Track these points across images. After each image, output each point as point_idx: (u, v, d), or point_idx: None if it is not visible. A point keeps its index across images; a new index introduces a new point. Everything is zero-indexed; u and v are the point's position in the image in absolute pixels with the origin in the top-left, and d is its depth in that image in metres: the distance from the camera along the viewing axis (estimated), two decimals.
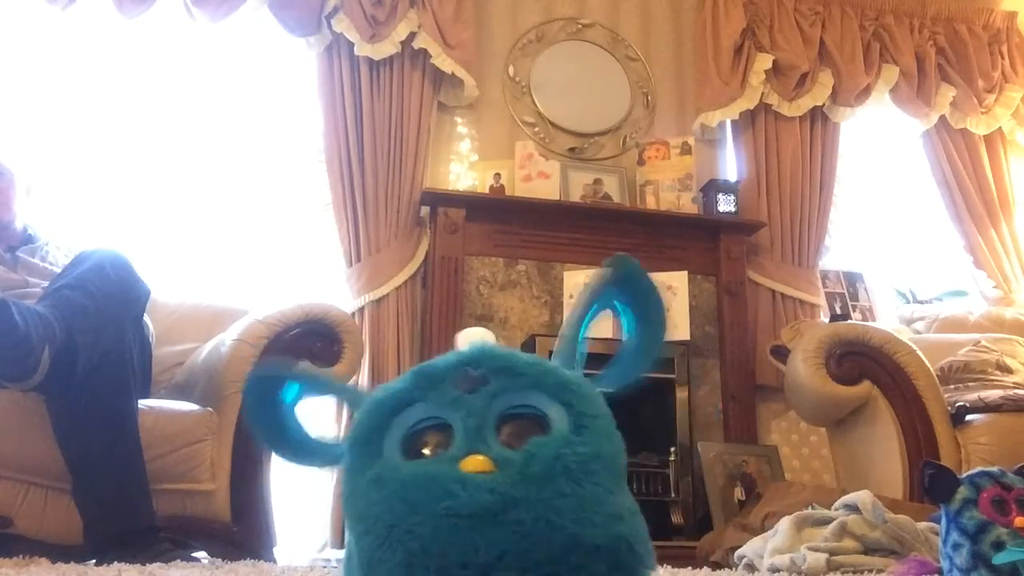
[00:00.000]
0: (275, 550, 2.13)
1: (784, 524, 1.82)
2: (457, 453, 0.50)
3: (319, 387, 0.64)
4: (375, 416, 0.54)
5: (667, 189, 3.61)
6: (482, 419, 0.51)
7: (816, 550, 1.66)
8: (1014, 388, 2.55)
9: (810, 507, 1.88)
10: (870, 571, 1.57)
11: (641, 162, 3.67)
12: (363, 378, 3.10)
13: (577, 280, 3.31)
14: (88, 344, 1.70)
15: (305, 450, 0.62)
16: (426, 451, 0.52)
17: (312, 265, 3.37)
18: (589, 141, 3.70)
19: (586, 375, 0.59)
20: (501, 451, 0.50)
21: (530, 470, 0.48)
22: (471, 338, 0.58)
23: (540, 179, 3.48)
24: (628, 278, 0.59)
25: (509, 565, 0.46)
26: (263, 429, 0.62)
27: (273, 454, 0.64)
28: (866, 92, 3.87)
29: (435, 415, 0.53)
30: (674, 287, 3.34)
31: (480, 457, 0.49)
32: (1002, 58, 4.11)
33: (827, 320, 3.51)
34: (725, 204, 3.57)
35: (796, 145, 3.79)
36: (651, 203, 3.59)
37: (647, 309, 0.59)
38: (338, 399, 0.64)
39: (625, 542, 0.48)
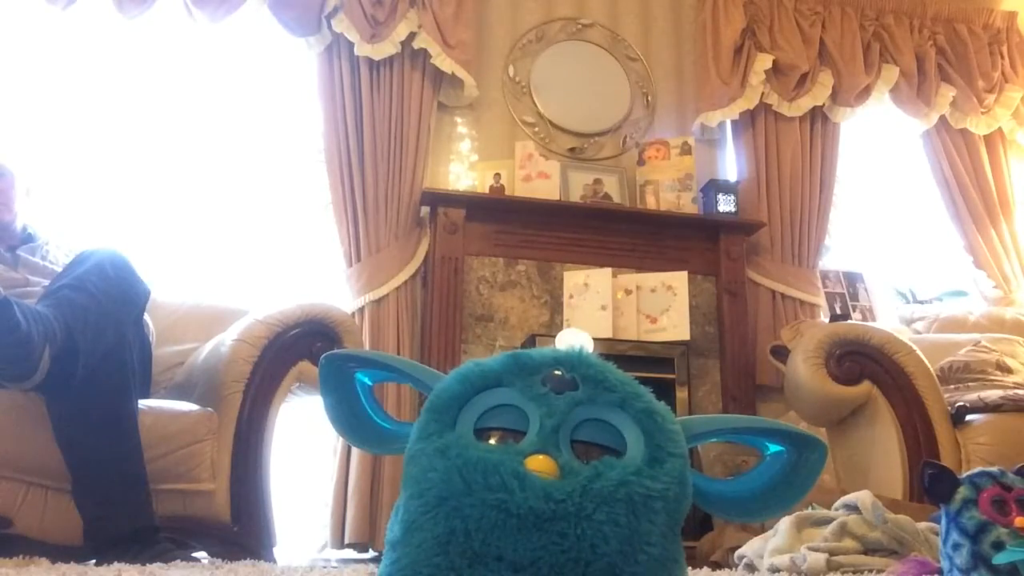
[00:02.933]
0: (275, 550, 2.13)
1: (784, 524, 1.82)
2: (527, 448, 0.49)
3: (398, 373, 0.64)
4: (459, 387, 0.54)
5: (667, 189, 3.61)
6: (561, 422, 0.51)
7: (816, 550, 1.66)
8: (1014, 388, 2.55)
9: (810, 507, 1.88)
10: (870, 571, 1.57)
11: (641, 162, 3.67)
12: None
13: (577, 280, 3.31)
14: (88, 344, 1.70)
15: (377, 437, 0.62)
16: (495, 438, 0.52)
17: (312, 265, 3.37)
18: (589, 141, 3.70)
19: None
20: (570, 459, 0.49)
21: (593, 487, 0.48)
22: (571, 340, 0.58)
23: (540, 179, 3.48)
24: (808, 449, 0.57)
25: (539, 571, 0.46)
26: (335, 413, 0.62)
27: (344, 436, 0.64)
28: (866, 92, 3.87)
29: (517, 404, 0.52)
30: (674, 287, 3.34)
31: (548, 459, 0.49)
32: (1002, 58, 4.11)
33: (827, 320, 3.51)
34: (725, 204, 3.57)
35: (796, 145, 3.80)
36: (651, 203, 3.59)
37: (798, 485, 0.57)
38: (418, 385, 0.64)
39: None
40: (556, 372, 0.54)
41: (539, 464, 0.48)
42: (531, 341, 3.15)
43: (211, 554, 1.85)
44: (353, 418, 0.63)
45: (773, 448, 0.58)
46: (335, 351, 0.64)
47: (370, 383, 0.64)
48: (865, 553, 1.66)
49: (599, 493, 0.48)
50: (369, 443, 0.64)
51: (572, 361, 0.54)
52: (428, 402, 0.55)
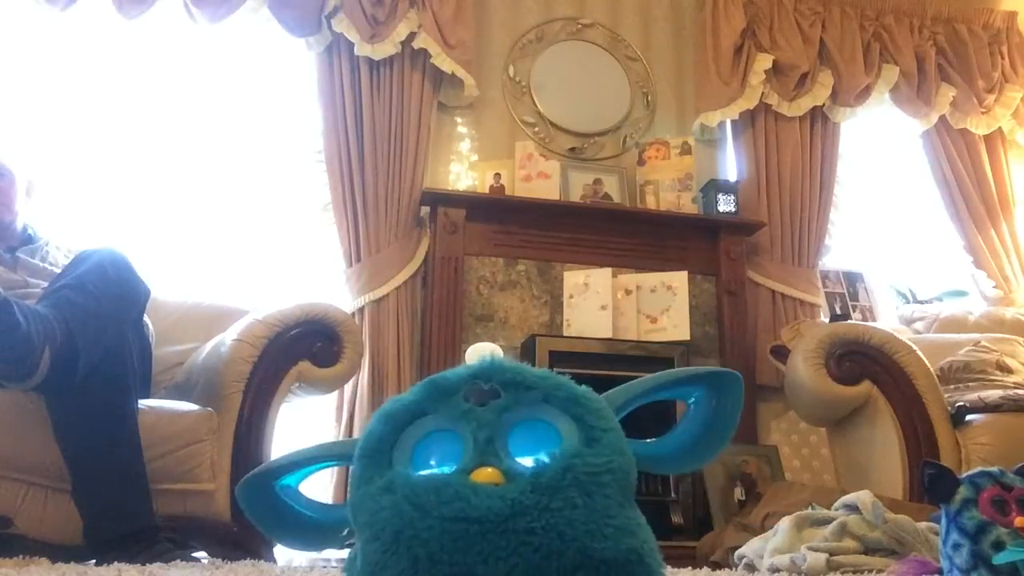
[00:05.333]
0: (275, 550, 2.13)
1: (784, 524, 1.82)
2: (468, 465, 0.50)
3: (313, 465, 0.63)
4: (386, 427, 0.54)
5: (667, 189, 3.61)
6: (492, 432, 0.51)
7: (816, 550, 1.66)
8: (1014, 388, 2.55)
9: (810, 507, 1.88)
10: (870, 571, 1.57)
11: (641, 162, 3.67)
12: (363, 378, 3.10)
13: (577, 280, 3.31)
14: (88, 344, 1.70)
15: (315, 535, 0.62)
16: (435, 462, 0.51)
17: (312, 265, 3.37)
18: (589, 141, 3.70)
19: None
20: (511, 463, 0.50)
21: (541, 481, 0.48)
22: (480, 352, 0.58)
23: (540, 179, 3.48)
24: (725, 384, 0.58)
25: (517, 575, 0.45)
26: (269, 528, 0.62)
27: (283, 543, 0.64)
28: (866, 92, 3.87)
29: (446, 427, 0.53)
30: (674, 287, 3.34)
31: (490, 469, 0.49)
32: (1002, 58, 4.11)
33: (827, 320, 3.51)
34: (725, 204, 3.57)
35: (796, 145, 3.79)
36: (651, 203, 3.59)
37: (725, 424, 0.58)
38: (336, 462, 0.64)
39: (636, 555, 0.48)
40: (476, 386, 0.54)
41: (484, 476, 0.49)
42: (531, 341, 3.15)
43: (211, 554, 1.85)
44: (295, 527, 0.62)
45: (694, 396, 0.58)
46: (248, 476, 0.62)
47: (294, 485, 0.63)
48: (865, 553, 1.66)
49: (549, 484, 0.48)
50: (325, 541, 0.63)
51: (487, 371, 0.55)
52: (358, 450, 0.55)
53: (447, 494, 0.47)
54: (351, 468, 0.55)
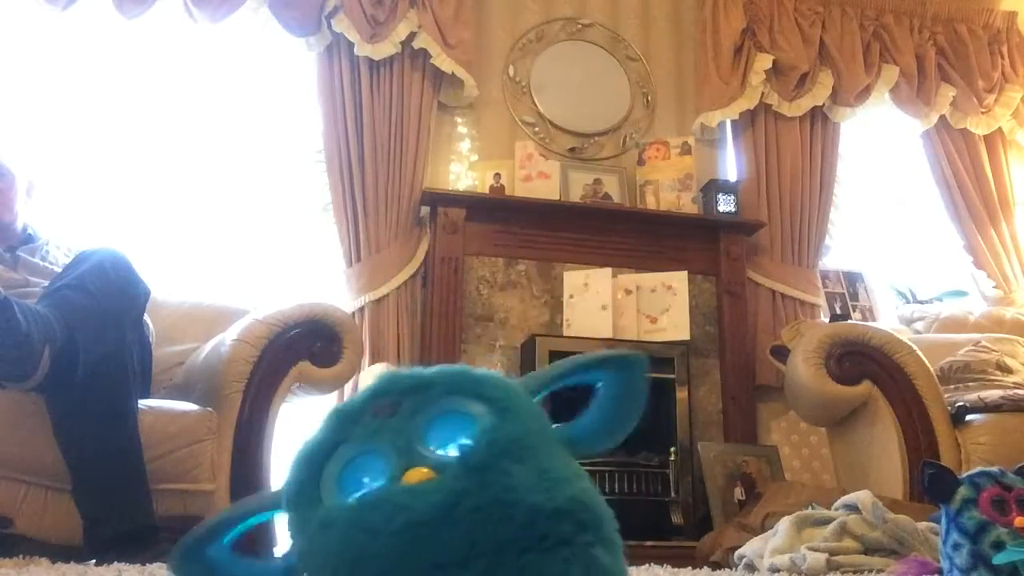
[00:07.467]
0: (275, 550, 2.13)
1: (784, 524, 1.82)
2: (396, 473, 0.50)
3: (248, 518, 0.63)
4: (305, 470, 0.54)
5: (667, 189, 3.61)
6: (409, 436, 0.52)
7: (816, 550, 1.66)
8: (1014, 388, 2.55)
9: (810, 507, 1.88)
10: (870, 571, 1.57)
11: (641, 162, 3.67)
12: (363, 378, 3.10)
13: (577, 280, 3.31)
14: (88, 344, 1.70)
15: None
16: (365, 484, 0.52)
17: (312, 265, 3.37)
18: (589, 141, 3.70)
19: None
20: (437, 458, 0.50)
21: (470, 462, 0.49)
22: (374, 373, 0.58)
23: (540, 179, 3.48)
24: (627, 365, 0.59)
25: (481, 552, 0.46)
26: None
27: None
28: (866, 92, 3.87)
29: (364, 449, 0.53)
30: (674, 287, 3.34)
31: (420, 469, 0.49)
32: (1002, 58, 4.11)
33: (827, 320, 3.51)
34: (725, 204, 3.57)
35: (796, 145, 3.80)
36: (651, 203, 3.59)
37: (631, 403, 0.59)
38: (271, 512, 0.63)
39: (580, 501, 0.49)
40: (379, 403, 0.54)
41: (415, 476, 0.49)
42: (531, 341, 3.15)
43: None
44: None
45: (600, 380, 0.60)
46: (180, 544, 0.61)
47: (228, 544, 0.62)
48: (865, 553, 1.67)
49: (479, 462, 0.49)
50: None
51: (385, 386, 0.55)
52: (284, 500, 0.55)
53: (388, 508, 0.47)
54: (286, 520, 0.55)
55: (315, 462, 0.54)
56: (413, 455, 0.51)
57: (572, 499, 0.49)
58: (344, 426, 0.55)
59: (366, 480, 0.52)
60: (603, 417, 0.59)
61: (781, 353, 2.91)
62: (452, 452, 0.51)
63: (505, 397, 0.54)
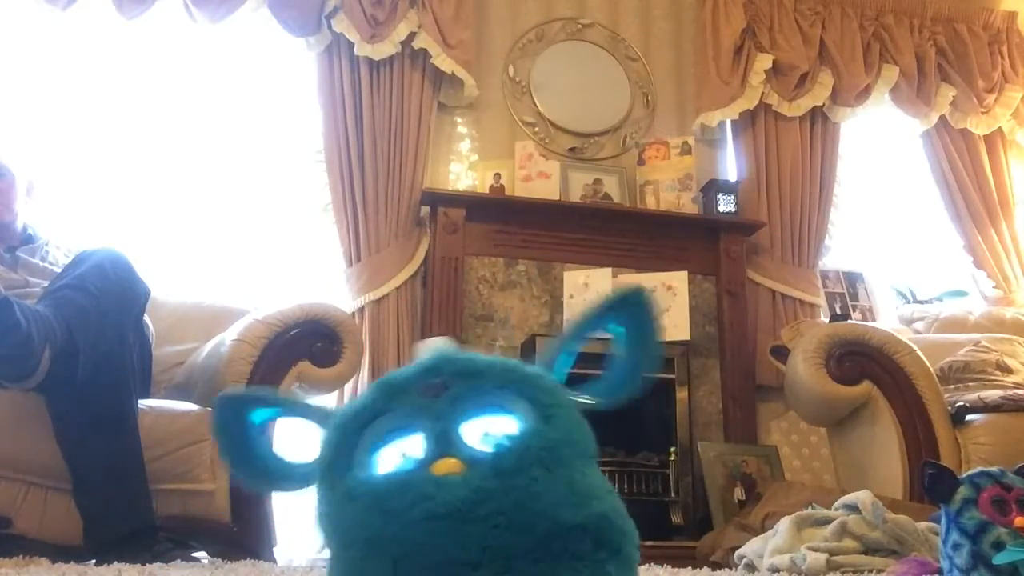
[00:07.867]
0: (275, 550, 2.13)
1: (784, 524, 1.82)
2: (427, 459, 0.50)
3: (289, 409, 0.64)
4: (342, 433, 0.54)
5: (667, 189, 3.61)
6: (448, 423, 0.51)
7: (816, 550, 1.66)
8: (1014, 388, 2.55)
9: (810, 507, 1.88)
10: (870, 571, 1.58)
11: (641, 162, 3.67)
12: (363, 378, 3.10)
13: (577, 280, 3.31)
14: (88, 344, 1.70)
15: (273, 473, 0.62)
16: (396, 461, 0.51)
17: (312, 265, 3.37)
18: (589, 141, 3.70)
19: (581, 375, 0.59)
20: (471, 451, 0.50)
21: (502, 464, 0.48)
22: (431, 347, 0.58)
23: (540, 179, 3.48)
24: (631, 303, 0.59)
25: (495, 557, 0.46)
26: (230, 452, 0.62)
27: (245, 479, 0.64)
28: (866, 92, 3.87)
29: (402, 425, 0.53)
30: (674, 287, 3.34)
31: (450, 460, 0.49)
32: (1002, 58, 4.11)
33: (827, 320, 3.51)
34: (725, 204, 3.57)
35: (796, 145, 3.79)
36: (651, 203, 3.59)
37: (644, 334, 0.59)
38: (309, 420, 0.64)
39: (605, 519, 0.49)
40: (427, 381, 0.54)
41: (445, 467, 0.49)
42: (531, 341, 3.15)
43: (211, 554, 1.85)
44: (249, 456, 0.62)
45: (613, 327, 0.60)
46: (229, 393, 0.63)
47: (257, 423, 0.63)
48: (865, 553, 1.67)
49: (510, 465, 0.48)
50: (271, 481, 0.63)
51: (437, 365, 0.55)
52: (318, 458, 0.55)
53: (411, 495, 0.47)
54: (315, 478, 0.55)
55: (353, 428, 0.54)
56: (448, 443, 0.50)
57: (596, 515, 0.49)
58: (388, 397, 0.54)
59: (402, 455, 0.51)
60: (625, 362, 0.59)
61: (781, 353, 2.91)
62: (487, 448, 0.50)
63: (552, 403, 0.53)
